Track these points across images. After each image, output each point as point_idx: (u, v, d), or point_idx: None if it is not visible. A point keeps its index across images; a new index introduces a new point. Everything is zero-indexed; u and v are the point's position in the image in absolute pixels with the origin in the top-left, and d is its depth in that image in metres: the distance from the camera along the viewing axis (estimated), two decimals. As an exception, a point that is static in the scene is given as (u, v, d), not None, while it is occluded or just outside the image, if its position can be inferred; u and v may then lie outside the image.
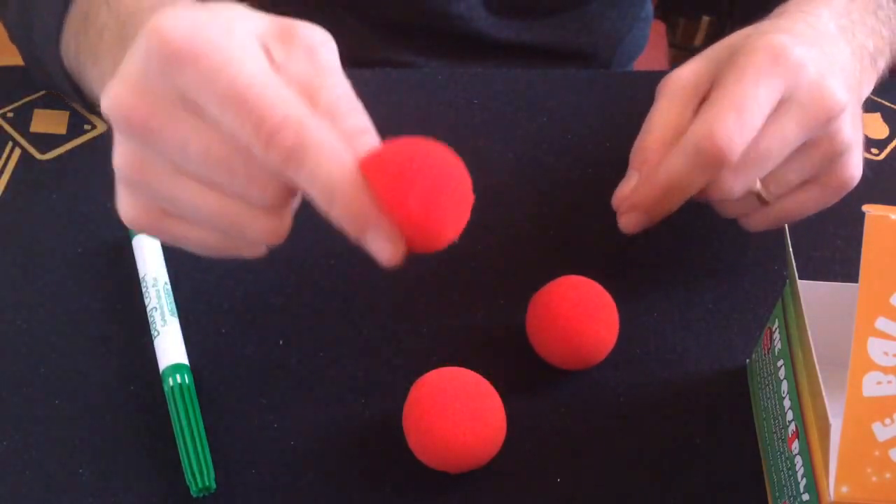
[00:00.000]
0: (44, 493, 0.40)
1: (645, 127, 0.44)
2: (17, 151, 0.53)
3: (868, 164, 0.56)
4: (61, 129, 0.55)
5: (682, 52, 1.11)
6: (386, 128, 0.57)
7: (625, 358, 0.45)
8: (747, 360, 0.45)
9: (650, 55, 0.92)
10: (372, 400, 0.44)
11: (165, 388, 0.42)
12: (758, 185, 0.43)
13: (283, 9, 0.73)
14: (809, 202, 0.44)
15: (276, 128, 0.31)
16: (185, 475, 0.39)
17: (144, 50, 0.32)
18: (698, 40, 1.18)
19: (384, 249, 0.34)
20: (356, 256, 0.49)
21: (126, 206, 0.36)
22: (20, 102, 0.56)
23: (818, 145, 0.42)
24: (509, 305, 0.47)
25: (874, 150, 0.57)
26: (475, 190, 0.52)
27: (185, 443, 0.40)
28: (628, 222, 0.44)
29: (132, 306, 0.46)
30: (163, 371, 0.43)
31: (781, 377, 0.39)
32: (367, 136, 0.34)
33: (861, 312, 0.33)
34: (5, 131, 0.54)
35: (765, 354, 0.42)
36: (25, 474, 0.40)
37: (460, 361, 0.43)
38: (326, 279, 0.48)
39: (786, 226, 0.40)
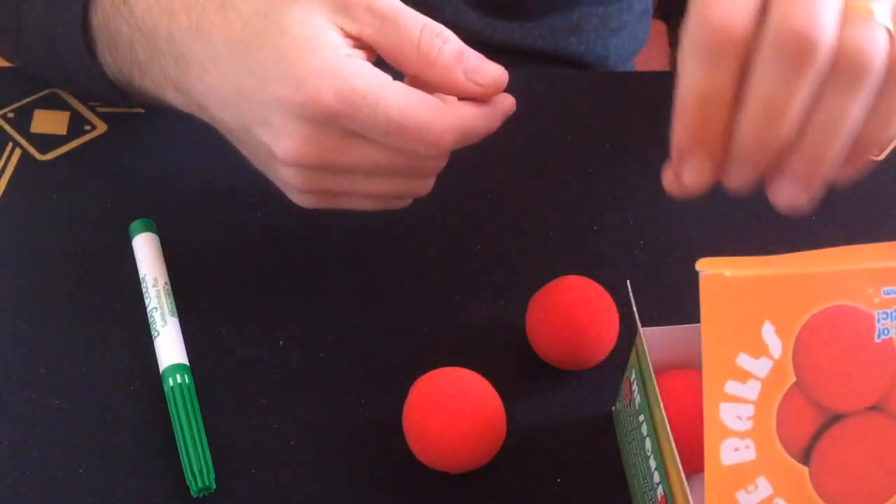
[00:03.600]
0: (44, 493, 0.40)
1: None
2: (18, 152, 0.53)
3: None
4: (61, 130, 0.55)
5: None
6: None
7: (625, 358, 0.45)
8: (612, 408, 0.44)
9: (650, 55, 0.91)
10: (372, 400, 0.44)
11: (165, 388, 0.42)
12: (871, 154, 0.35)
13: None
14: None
15: (438, 139, 0.39)
16: (185, 475, 0.39)
17: (301, 110, 0.37)
18: (698, 40, 1.17)
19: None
20: (356, 257, 0.49)
21: (301, 200, 0.43)
22: (20, 103, 0.56)
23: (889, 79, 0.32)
24: (509, 305, 0.47)
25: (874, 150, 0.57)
26: (475, 190, 0.52)
27: (185, 443, 0.40)
28: (692, 177, 0.35)
29: (132, 306, 0.46)
30: (163, 371, 0.43)
31: (644, 434, 0.38)
32: (454, 46, 0.41)
33: (708, 379, 0.31)
34: (5, 132, 0.54)
35: (627, 405, 0.41)
36: (25, 474, 0.40)
37: (460, 361, 0.43)
38: (326, 279, 0.48)
39: (627, 282, 0.38)
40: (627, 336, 0.44)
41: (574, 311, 0.42)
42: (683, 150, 0.34)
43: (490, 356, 0.45)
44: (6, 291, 0.47)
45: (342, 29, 0.38)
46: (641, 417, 0.38)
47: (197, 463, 0.39)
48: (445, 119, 0.39)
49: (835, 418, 0.32)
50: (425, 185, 0.44)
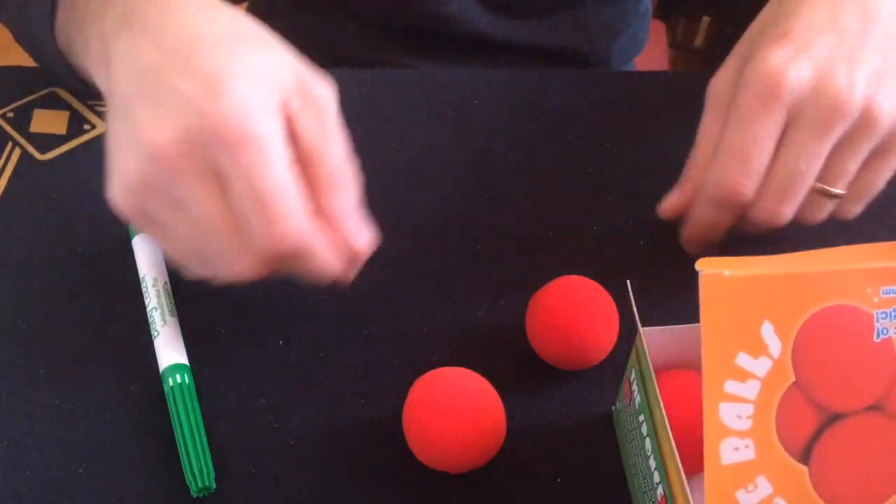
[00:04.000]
0: (44, 493, 0.40)
1: (695, 141, 0.47)
2: (17, 151, 0.53)
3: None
4: (61, 130, 0.55)
5: (682, 52, 1.11)
6: (386, 128, 0.57)
7: (625, 358, 0.45)
8: (612, 408, 0.44)
9: (650, 55, 0.92)
10: (372, 400, 0.44)
11: (165, 388, 0.42)
12: (820, 187, 0.44)
13: (279, 11, 0.74)
14: (880, 172, 0.45)
15: (285, 233, 0.36)
16: (185, 475, 0.39)
17: (194, 111, 0.35)
18: (698, 40, 1.18)
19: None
20: (356, 256, 0.49)
21: (121, 198, 0.38)
22: (20, 102, 0.56)
23: (858, 134, 0.43)
24: (509, 305, 0.47)
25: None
26: (475, 190, 0.52)
27: (184, 443, 0.40)
28: (694, 253, 0.49)
29: (132, 306, 0.46)
30: (163, 371, 0.43)
31: (644, 433, 0.38)
32: (353, 217, 0.40)
33: (708, 378, 0.31)
34: (5, 131, 0.54)
35: (627, 405, 0.41)
36: (25, 474, 0.40)
37: (460, 361, 0.43)
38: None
39: (628, 281, 0.38)
40: (627, 336, 0.44)
41: (574, 311, 0.42)
42: (688, 242, 0.49)
43: (490, 356, 0.45)
44: (6, 291, 0.47)
45: (286, 104, 0.37)
46: (641, 417, 0.38)
47: (197, 463, 0.39)
48: (300, 228, 0.37)
49: (834, 418, 0.32)
50: (234, 267, 0.38)
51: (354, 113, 0.57)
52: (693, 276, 0.31)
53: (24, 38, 0.51)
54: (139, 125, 0.36)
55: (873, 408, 0.32)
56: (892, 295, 0.32)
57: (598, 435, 0.43)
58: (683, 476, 0.33)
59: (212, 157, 0.36)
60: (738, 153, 0.43)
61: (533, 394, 0.44)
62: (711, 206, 0.45)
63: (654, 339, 0.38)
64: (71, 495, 0.40)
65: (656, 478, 0.36)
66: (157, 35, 0.38)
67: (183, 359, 0.43)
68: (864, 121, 0.42)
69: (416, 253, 0.50)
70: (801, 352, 0.31)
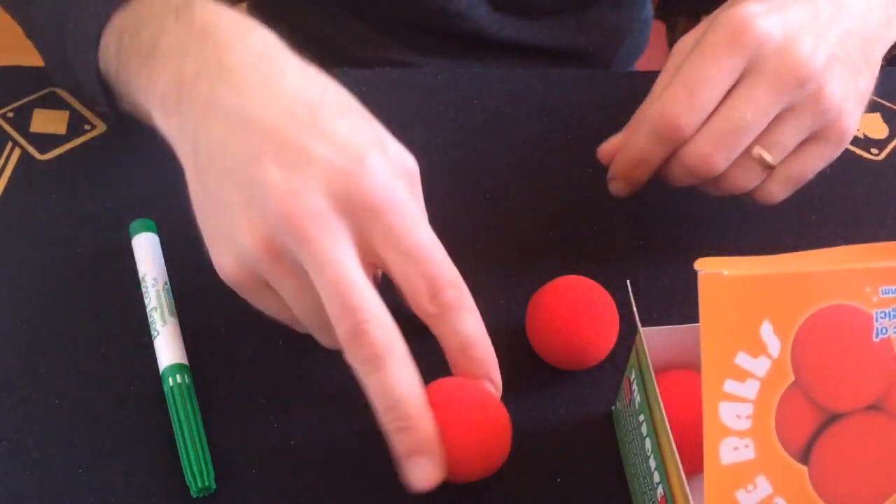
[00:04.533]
0: (44, 493, 0.40)
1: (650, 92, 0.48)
2: (17, 151, 0.53)
3: (868, 164, 0.56)
4: (61, 129, 0.55)
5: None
6: (386, 128, 0.57)
7: (625, 358, 0.45)
8: (612, 408, 0.44)
9: (650, 55, 0.91)
10: (372, 400, 0.44)
11: (165, 389, 0.42)
12: (758, 151, 0.44)
13: (281, 8, 0.74)
14: (813, 159, 0.45)
15: (452, 279, 0.38)
16: (185, 475, 0.39)
17: (339, 175, 0.35)
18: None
19: (428, 476, 0.36)
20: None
21: (231, 263, 0.38)
22: (20, 102, 0.56)
23: (804, 107, 0.43)
24: (509, 305, 0.47)
25: (874, 151, 0.57)
26: (475, 190, 0.52)
27: (184, 443, 0.40)
28: (615, 188, 0.48)
29: (132, 306, 0.46)
30: (163, 371, 0.43)
31: (644, 433, 0.38)
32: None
33: (707, 378, 0.31)
34: (5, 131, 0.55)
35: (627, 405, 0.41)
36: (25, 474, 0.40)
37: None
38: (326, 279, 0.48)
39: (627, 281, 0.38)
40: (627, 336, 0.44)
41: (574, 311, 0.42)
42: (613, 177, 0.48)
43: (490, 356, 0.45)
44: (6, 291, 0.47)
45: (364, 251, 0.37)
46: (641, 417, 0.38)
47: (197, 463, 0.39)
48: (384, 324, 0.36)
49: (833, 417, 0.32)
50: (329, 340, 0.40)
51: (354, 113, 0.57)
52: (693, 276, 0.31)
53: (52, 46, 0.49)
54: (271, 188, 0.35)
55: (873, 407, 0.32)
56: (891, 295, 0.32)
57: (598, 435, 0.43)
58: (683, 476, 0.33)
59: (358, 223, 0.36)
60: (688, 85, 0.42)
61: (533, 394, 0.44)
62: (647, 137, 0.44)
63: (654, 339, 0.38)
64: (71, 495, 0.40)
65: (656, 478, 0.36)
66: (270, 95, 0.37)
67: (183, 359, 0.43)
68: (814, 98, 0.43)
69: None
70: (801, 351, 0.31)
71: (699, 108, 0.43)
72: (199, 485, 0.39)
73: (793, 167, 0.45)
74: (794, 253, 0.33)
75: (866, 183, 0.55)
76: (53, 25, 0.47)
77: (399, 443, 0.36)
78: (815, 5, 0.44)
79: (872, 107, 0.60)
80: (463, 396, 0.38)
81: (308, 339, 0.46)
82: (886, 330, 0.32)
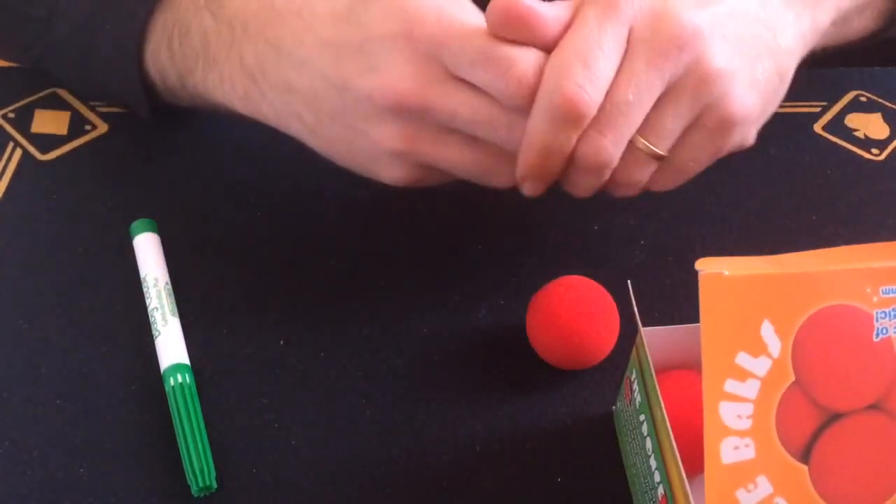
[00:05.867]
0: (44, 493, 0.40)
1: None
2: (18, 152, 0.54)
3: (868, 164, 0.56)
4: (62, 130, 0.55)
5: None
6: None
7: (625, 358, 0.45)
8: (613, 408, 0.44)
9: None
10: (372, 400, 0.44)
11: (166, 388, 0.42)
12: (641, 141, 0.40)
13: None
14: (699, 150, 0.41)
15: (520, 75, 0.38)
16: (186, 475, 0.39)
17: (405, 42, 0.38)
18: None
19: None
20: (357, 257, 0.49)
21: (394, 173, 0.42)
22: (21, 103, 0.56)
23: (684, 82, 0.39)
24: (509, 305, 0.47)
25: (874, 151, 0.57)
26: (475, 190, 0.52)
27: (185, 442, 0.40)
28: (529, 190, 0.43)
29: (132, 306, 0.46)
30: (164, 371, 0.43)
31: (644, 433, 0.38)
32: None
33: (708, 377, 0.31)
34: (6, 131, 0.55)
35: (627, 405, 0.41)
36: (25, 474, 0.40)
37: (460, 361, 0.43)
38: (327, 279, 0.48)
39: (628, 281, 0.37)
40: (627, 336, 0.44)
41: (574, 311, 0.42)
42: (524, 177, 0.42)
43: (490, 356, 0.45)
44: (6, 291, 0.47)
45: None
46: (642, 417, 0.38)
47: (198, 462, 0.39)
48: (528, 58, 0.38)
49: (834, 417, 0.32)
50: (506, 167, 0.41)
51: (355, 113, 0.57)
52: (693, 276, 0.31)
53: (75, 57, 0.51)
54: (369, 97, 0.39)
55: (873, 407, 0.32)
56: (891, 295, 0.32)
57: (598, 435, 0.43)
58: (684, 476, 0.33)
59: (438, 67, 0.39)
60: (582, 54, 0.38)
61: (533, 394, 0.44)
62: (549, 121, 0.38)
63: (654, 339, 0.38)
64: (71, 495, 0.40)
65: (657, 477, 0.36)
66: (316, 32, 0.41)
67: (184, 359, 0.43)
68: (694, 72, 0.39)
69: (417, 253, 0.50)
70: (801, 351, 0.31)
71: (597, 79, 0.38)
72: (200, 484, 0.39)
73: (679, 157, 0.42)
74: (794, 253, 0.33)
75: (866, 183, 0.55)
76: (78, 38, 0.49)
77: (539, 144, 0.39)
78: None
79: (873, 107, 0.60)
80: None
81: (308, 339, 0.46)
82: (887, 330, 0.32)
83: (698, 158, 0.42)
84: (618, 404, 0.43)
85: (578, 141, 0.39)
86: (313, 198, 0.52)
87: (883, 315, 0.32)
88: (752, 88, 0.41)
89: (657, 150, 0.40)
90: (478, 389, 0.44)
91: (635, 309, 0.36)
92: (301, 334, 0.46)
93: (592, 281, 0.44)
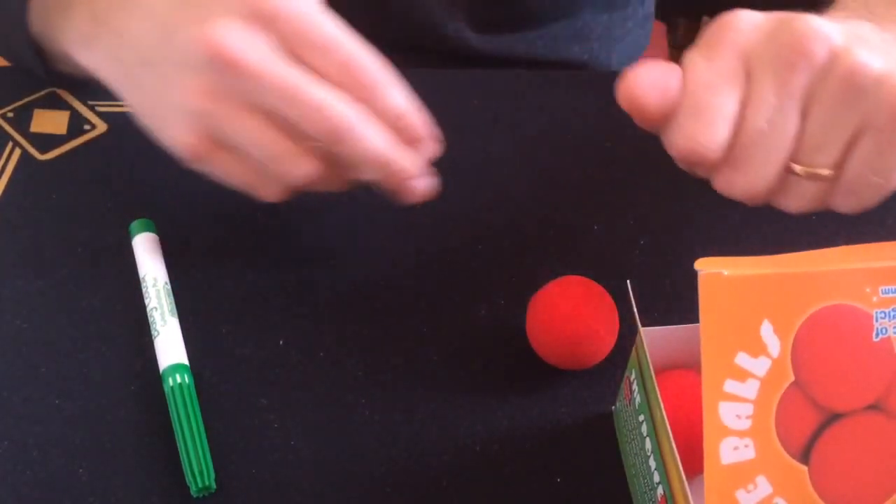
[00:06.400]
0: (44, 493, 0.40)
1: None
2: (18, 151, 0.53)
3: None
4: (61, 130, 0.55)
5: (682, 52, 1.11)
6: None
7: (625, 358, 0.45)
8: (612, 408, 0.44)
9: (650, 55, 0.91)
10: (372, 400, 0.44)
11: (165, 389, 0.42)
12: (794, 166, 0.36)
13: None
14: (876, 158, 0.35)
15: (329, 105, 0.39)
16: (185, 475, 0.39)
17: (243, 4, 0.38)
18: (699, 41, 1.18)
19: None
20: (356, 257, 0.49)
21: (183, 133, 0.41)
22: (20, 102, 0.56)
23: (827, 87, 0.35)
24: (509, 305, 0.47)
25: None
26: (475, 190, 0.52)
27: (185, 442, 0.40)
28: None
29: (132, 306, 0.46)
30: (163, 371, 0.43)
31: (644, 433, 0.38)
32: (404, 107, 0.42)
33: (707, 377, 0.31)
34: (5, 131, 0.55)
35: (627, 405, 0.41)
36: (25, 474, 0.40)
37: (460, 361, 0.43)
38: (326, 279, 0.48)
39: (628, 281, 0.37)
40: (627, 336, 0.44)
41: (574, 311, 0.42)
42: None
43: (490, 356, 0.45)
44: (6, 291, 0.47)
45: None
46: (641, 417, 0.38)
47: (197, 463, 0.39)
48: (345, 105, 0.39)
49: (833, 417, 0.32)
50: (297, 167, 0.41)
51: (354, 113, 0.57)
52: (693, 276, 0.31)
53: None
54: (191, 43, 0.38)
55: (873, 407, 0.32)
56: (891, 295, 0.32)
57: (598, 435, 0.43)
58: (683, 476, 0.33)
59: (274, 33, 0.39)
60: (691, 104, 0.36)
61: (533, 394, 0.44)
62: (685, 164, 0.38)
63: (654, 339, 0.38)
64: (71, 495, 0.40)
65: (656, 478, 0.36)
66: None
67: (183, 359, 0.43)
68: (839, 71, 0.34)
69: (417, 253, 0.50)
70: (801, 351, 0.31)
71: (713, 121, 0.35)
72: (200, 484, 0.39)
73: (853, 172, 0.36)
74: (794, 253, 0.33)
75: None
76: None
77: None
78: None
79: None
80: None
81: (308, 339, 0.46)
82: (886, 330, 0.32)
83: (877, 168, 0.36)
84: (617, 404, 0.43)
85: (717, 176, 0.37)
86: (313, 198, 0.52)
87: (883, 315, 0.32)
88: (889, 63, 0.35)
89: (817, 171, 0.36)
90: (478, 389, 0.44)
91: (635, 309, 0.36)
92: (301, 334, 0.46)
93: (592, 281, 0.44)
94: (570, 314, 0.42)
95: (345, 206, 0.52)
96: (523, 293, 0.45)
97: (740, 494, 0.31)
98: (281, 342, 0.46)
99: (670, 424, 0.34)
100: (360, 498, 0.40)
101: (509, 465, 0.41)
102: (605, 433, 0.43)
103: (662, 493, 0.35)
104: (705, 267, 0.31)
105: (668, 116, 0.37)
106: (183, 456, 0.40)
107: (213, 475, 0.40)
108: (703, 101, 0.35)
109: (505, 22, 0.67)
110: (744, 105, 0.36)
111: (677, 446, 0.34)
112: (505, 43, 0.68)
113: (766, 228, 0.52)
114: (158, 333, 0.44)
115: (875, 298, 0.32)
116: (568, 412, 0.44)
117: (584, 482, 0.41)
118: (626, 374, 0.40)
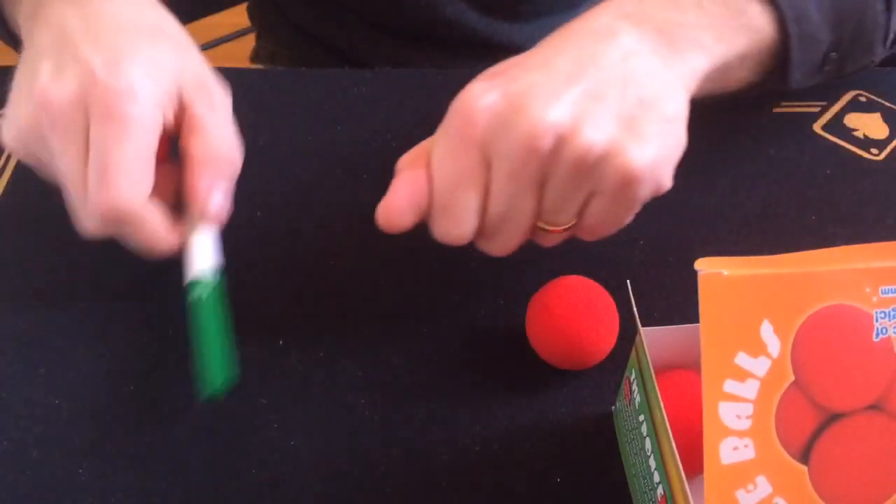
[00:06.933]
0: (44, 493, 0.40)
1: None
2: (18, 152, 0.53)
3: (868, 164, 0.56)
4: (61, 130, 0.55)
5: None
6: (386, 128, 0.57)
7: (625, 358, 0.45)
8: (612, 408, 0.44)
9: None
10: (372, 400, 0.44)
11: (198, 290, 0.43)
12: (541, 226, 0.41)
13: (282, 5, 0.74)
14: (606, 213, 0.40)
15: (114, 200, 0.41)
16: (206, 374, 0.40)
17: (90, 78, 0.40)
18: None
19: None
20: (356, 257, 0.49)
21: (12, 138, 0.43)
22: (20, 103, 0.56)
23: (559, 168, 0.38)
24: (509, 305, 0.47)
25: (874, 151, 0.57)
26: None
27: (210, 342, 0.41)
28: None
29: (132, 306, 0.46)
30: (196, 276, 0.43)
31: (644, 433, 0.38)
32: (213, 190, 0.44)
33: (707, 377, 0.31)
34: (6, 131, 0.54)
35: (627, 405, 0.41)
36: (25, 474, 0.40)
37: (460, 361, 0.43)
38: (326, 279, 0.48)
39: (628, 281, 0.37)
40: (627, 336, 0.44)
41: (574, 311, 0.42)
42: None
43: (490, 356, 0.45)
44: (6, 291, 0.47)
45: (179, 90, 0.43)
46: (641, 417, 0.38)
47: (222, 361, 0.41)
48: (135, 198, 0.41)
49: (833, 417, 0.32)
50: (81, 222, 0.43)
51: (354, 113, 0.57)
52: (693, 276, 0.31)
53: None
54: (40, 77, 0.41)
55: (873, 407, 0.32)
56: (891, 295, 0.32)
57: (598, 435, 0.43)
58: (683, 476, 0.33)
59: (88, 123, 0.40)
60: (442, 206, 0.40)
61: (533, 394, 0.44)
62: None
63: (654, 339, 0.38)
64: (71, 495, 0.40)
65: (656, 478, 0.36)
66: (87, 9, 0.43)
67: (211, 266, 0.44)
68: (569, 159, 0.38)
69: (417, 253, 0.50)
70: (801, 351, 0.31)
71: (461, 218, 0.40)
72: (225, 377, 0.40)
73: (587, 222, 0.41)
74: (794, 253, 0.33)
75: (866, 183, 0.55)
76: None
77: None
78: (551, 68, 0.40)
79: (873, 107, 0.60)
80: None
81: (308, 339, 0.46)
82: (886, 330, 0.32)
83: (609, 220, 0.41)
84: (617, 404, 0.43)
85: (476, 242, 0.42)
86: (313, 198, 0.52)
87: (883, 315, 0.32)
88: (639, 141, 0.38)
89: (558, 228, 0.41)
90: (478, 389, 0.44)
91: (635, 309, 0.36)
92: (301, 334, 0.46)
93: (592, 281, 0.44)
94: (570, 314, 0.42)
95: (345, 207, 0.52)
96: (523, 293, 0.45)
97: (740, 494, 0.31)
98: (281, 342, 0.46)
99: (670, 424, 0.34)
100: (360, 498, 0.40)
101: (509, 465, 0.41)
102: (605, 433, 0.43)
103: (662, 493, 0.35)
104: (705, 267, 0.31)
105: (425, 216, 0.41)
106: (206, 351, 0.41)
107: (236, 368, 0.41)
108: (450, 201, 0.40)
109: (504, 8, 0.67)
110: (486, 194, 0.40)
111: (677, 446, 0.34)
112: (504, 32, 0.68)
113: (765, 228, 0.52)
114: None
115: (875, 298, 0.32)
116: (568, 412, 0.44)
117: (584, 482, 0.41)
118: (626, 374, 0.40)
